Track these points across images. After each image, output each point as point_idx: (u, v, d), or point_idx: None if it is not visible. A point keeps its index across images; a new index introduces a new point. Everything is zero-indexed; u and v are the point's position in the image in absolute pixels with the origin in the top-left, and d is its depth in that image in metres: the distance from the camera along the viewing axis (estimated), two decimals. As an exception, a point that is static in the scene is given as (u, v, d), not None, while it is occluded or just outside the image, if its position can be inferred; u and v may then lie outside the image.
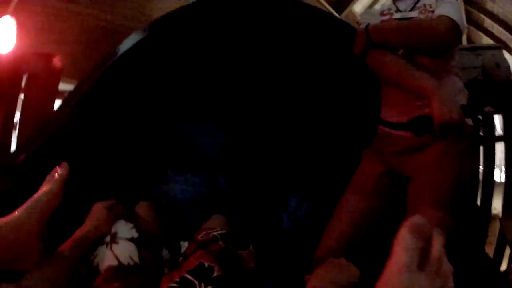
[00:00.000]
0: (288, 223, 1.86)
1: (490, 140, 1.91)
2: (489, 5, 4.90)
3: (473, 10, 5.16)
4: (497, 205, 2.16)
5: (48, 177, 1.16)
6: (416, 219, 0.52)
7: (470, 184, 1.41)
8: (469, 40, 5.59)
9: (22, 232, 1.00)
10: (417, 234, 0.52)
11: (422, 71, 1.29)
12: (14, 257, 0.97)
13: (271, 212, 1.86)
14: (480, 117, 1.81)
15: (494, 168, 1.98)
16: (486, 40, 5.20)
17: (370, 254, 1.09)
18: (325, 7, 3.20)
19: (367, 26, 1.38)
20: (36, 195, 1.08)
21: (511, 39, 4.67)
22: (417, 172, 1.31)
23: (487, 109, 1.83)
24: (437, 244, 0.54)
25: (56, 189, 1.11)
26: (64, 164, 1.17)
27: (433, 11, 1.36)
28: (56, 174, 1.15)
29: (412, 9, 1.43)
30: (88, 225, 1.22)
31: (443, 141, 1.27)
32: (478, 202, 1.98)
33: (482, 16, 5.08)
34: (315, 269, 1.09)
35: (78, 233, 1.19)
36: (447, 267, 0.54)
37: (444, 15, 1.28)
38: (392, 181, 1.39)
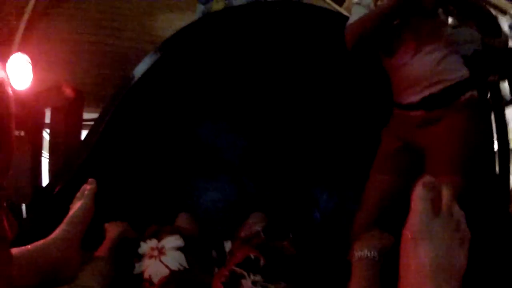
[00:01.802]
0: (321, 218, 1.93)
1: (499, 106, 1.97)
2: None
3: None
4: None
5: (78, 195, 1.27)
6: (426, 177, 0.65)
7: (484, 148, 1.49)
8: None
9: (65, 248, 1.11)
10: (428, 187, 0.64)
11: None
12: (59, 269, 1.08)
13: (303, 210, 1.94)
14: (486, 86, 1.87)
15: (507, 132, 2.03)
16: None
17: (400, 221, 1.16)
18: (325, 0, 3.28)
19: None
20: (71, 212, 1.19)
21: (509, 5, 4.67)
22: (431, 143, 1.41)
23: (491, 78, 1.89)
24: (447, 195, 0.66)
25: (89, 203, 1.23)
26: (91, 180, 1.28)
27: None
28: (85, 190, 1.26)
29: None
30: (115, 232, 1.36)
31: (455, 112, 1.37)
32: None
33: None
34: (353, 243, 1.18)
35: (109, 239, 1.33)
36: (459, 212, 0.66)
37: None
38: (409, 154, 1.49)
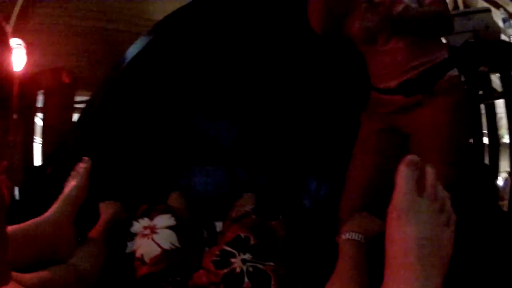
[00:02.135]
0: (310, 205, 1.94)
1: (489, 97, 1.98)
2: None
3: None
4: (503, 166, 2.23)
5: (72, 173, 1.28)
6: (410, 156, 0.66)
7: (469, 134, 1.48)
8: (465, 4, 5.59)
9: (60, 226, 1.12)
10: (412, 167, 0.65)
11: None
12: (53, 248, 1.09)
13: (293, 196, 1.95)
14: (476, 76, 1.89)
15: (496, 123, 2.04)
16: (481, 3, 5.20)
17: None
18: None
19: None
20: (66, 191, 1.21)
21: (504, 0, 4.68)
22: (415, 130, 1.40)
23: (481, 69, 1.90)
24: (430, 175, 0.67)
25: (83, 182, 1.24)
26: (86, 159, 1.29)
27: None
28: (80, 169, 1.27)
29: None
30: (109, 214, 1.39)
31: (436, 97, 1.36)
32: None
33: (475, -21, 5.09)
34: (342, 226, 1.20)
35: (103, 220, 1.36)
36: (443, 193, 0.68)
37: None
38: (393, 135, 1.48)
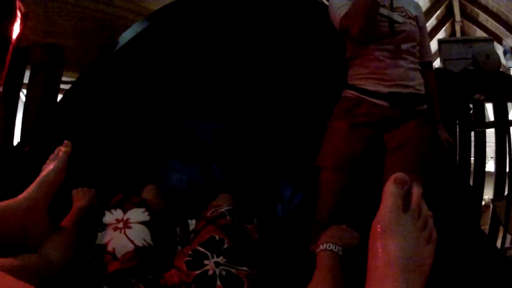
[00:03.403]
0: (283, 212, 1.91)
1: (480, 125, 2.00)
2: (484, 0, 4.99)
3: (467, 4, 5.24)
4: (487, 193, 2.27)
5: (51, 156, 1.24)
6: (398, 174, 0.68)
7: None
8: (463, 33, 5.66)
9: (35, 209, 1.08)
10: (399, 184, 0.67)
11: None
12: (27, 232, 1.04)
13: (266, 202, 1.92)
14: (470, 104, 1.90)
15: (485, 151, 2.08)
16: (480, 34, 5.26)
17: (362, 222, 1.17)
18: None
19: None
20: (43, 173, 1.17)
21: (505, 33, 4.75)
22: (398, 145, 1.53)
23: (477, 96, 1.92)
24: (416, 193, 0.70)
25: (61, 166, 1.20)
26: (67, 142, 1.25)
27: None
28: (59, 152, 1.22)
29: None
30: (82, 202, 1.34)
31: (416, 118, 1.53)
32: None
33: (477, 10, 5.15)
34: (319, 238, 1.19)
35: (76, 209, 1.31)
36: (427, 212, 0.71)
37: None
38: (366, 155, 1.55)
